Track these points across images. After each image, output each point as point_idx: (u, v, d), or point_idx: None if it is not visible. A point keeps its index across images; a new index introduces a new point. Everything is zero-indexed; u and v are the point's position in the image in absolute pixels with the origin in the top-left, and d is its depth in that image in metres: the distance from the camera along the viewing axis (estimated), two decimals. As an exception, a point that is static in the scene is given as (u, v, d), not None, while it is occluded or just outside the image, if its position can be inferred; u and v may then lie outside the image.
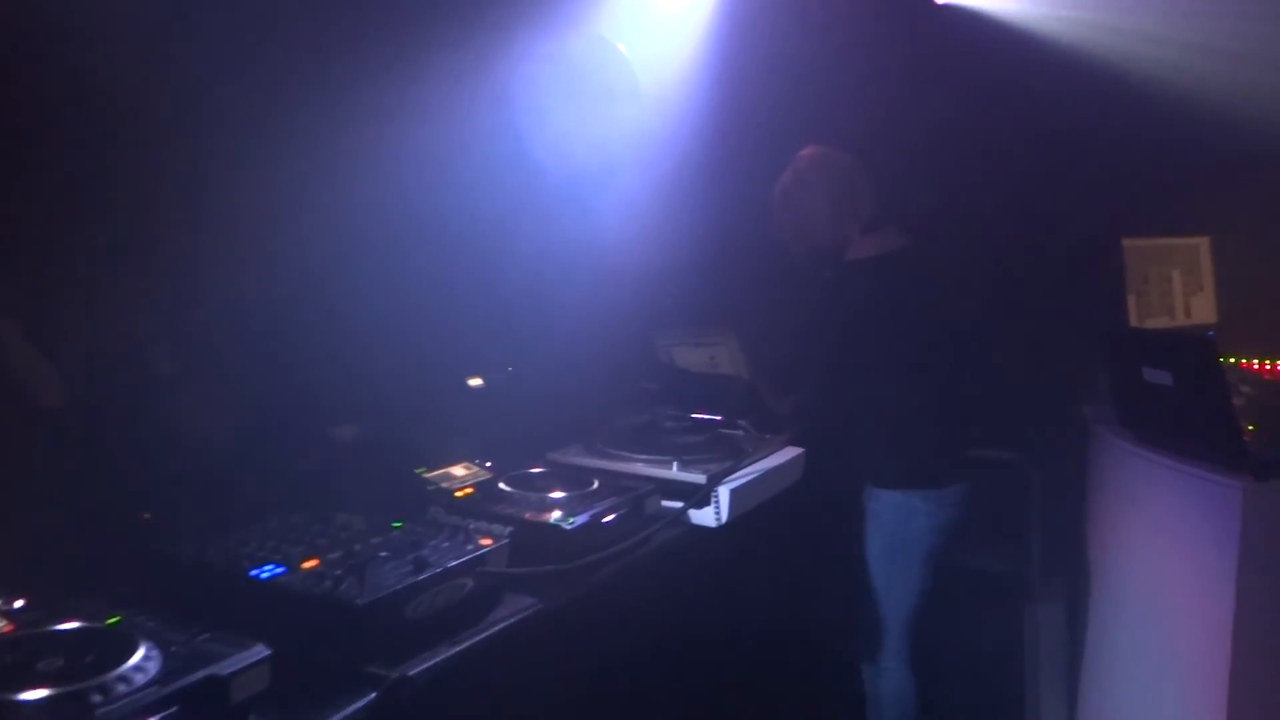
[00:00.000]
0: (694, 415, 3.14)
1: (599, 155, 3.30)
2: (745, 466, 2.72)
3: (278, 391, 2.63)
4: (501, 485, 2.38)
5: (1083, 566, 3.64)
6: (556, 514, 2.22)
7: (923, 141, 4.02)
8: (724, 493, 2.56)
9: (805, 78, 3.83)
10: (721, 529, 2.58)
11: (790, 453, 3.00)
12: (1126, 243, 3.95)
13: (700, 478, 2.57)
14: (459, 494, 2.37)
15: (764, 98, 3.78)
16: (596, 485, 2.43)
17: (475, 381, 3.19)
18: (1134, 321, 3.90)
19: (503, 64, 3.20)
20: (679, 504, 2.56)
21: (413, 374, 3.00)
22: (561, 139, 3.25)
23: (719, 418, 3.12)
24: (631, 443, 2.79)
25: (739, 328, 4.40)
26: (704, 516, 2.57)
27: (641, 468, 2.66)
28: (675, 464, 2.61)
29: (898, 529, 3.05)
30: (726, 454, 2.79)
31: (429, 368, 3.09)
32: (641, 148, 3.35)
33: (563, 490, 2.37)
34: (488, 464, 2.64)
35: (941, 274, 3.20)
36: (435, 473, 2.53)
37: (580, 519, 2.21)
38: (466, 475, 2.54)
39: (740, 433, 3.07)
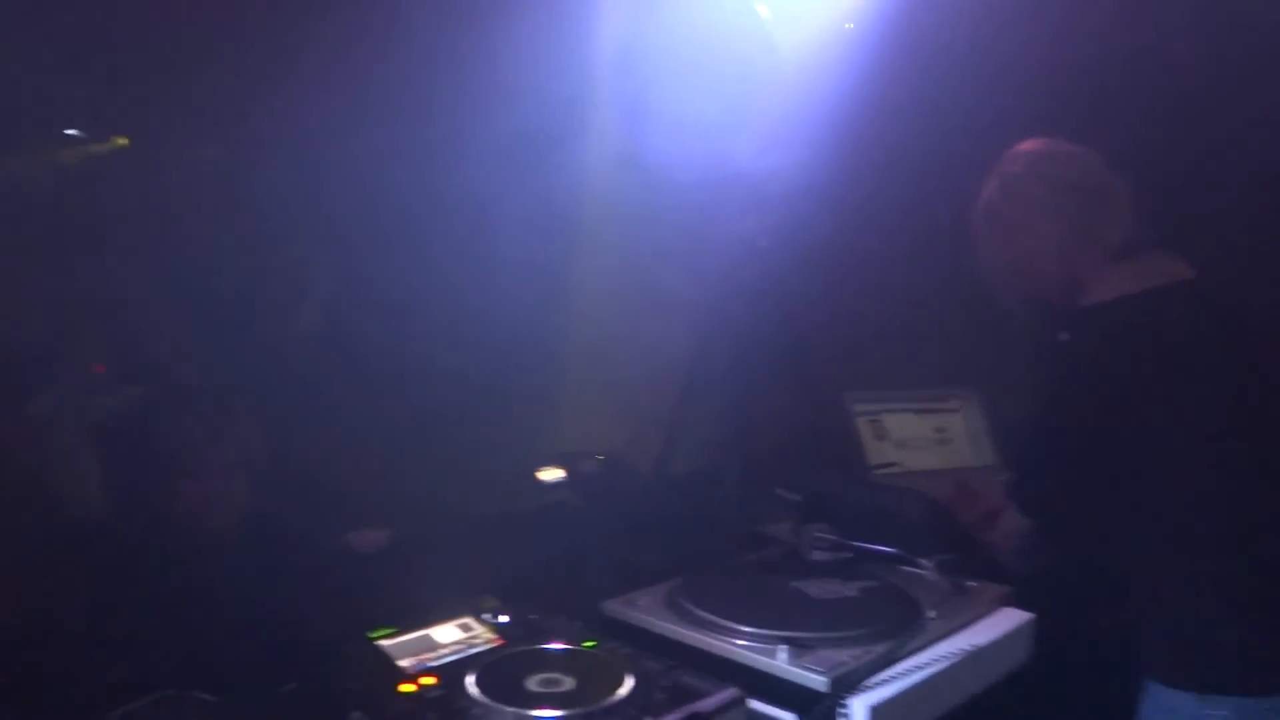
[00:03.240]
0: (856, 544, 2.09)
1: (732, 149, 2.35)
2: (908, 655, 1.65)
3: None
4: (469, 683, 1.48)
5: None
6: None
7: (1219, 124, 2.70)
8: (860, 710, 1.51)
9: (1026, 37, 2.66)
10: (862, 768, 1.54)
11: (1008, 620, 1.89)
12: None
13: (819, 680, 1.54)
14: (405, 688, 1.50)
15: (963, 67, 2.65)
16: (630, 688, 1.47)
17: (551, 474, 2.33)
18: None
19: (594, 33, 2.33)
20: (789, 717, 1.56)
21: (443, 461, 2.20)
22: (680, 129, 2.33)
23: (892, 550, 2.04)
24: (731, 600, 1.80)
25: (983, 386, 3.30)
26: (829, 748, 1.54)
27: (738, 649, 1.67)
28: (783, 650, 1.60)
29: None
30: (889, 623, 1.73)
31: (474, 450, 2.28)
32: (791, 137, 2.36)
33: (567, 702, 1.44)
34: (501, 619, 1.76)
35: (1257, 323, 1.95)
36: (409, 635, 1.68)
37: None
38: (456, 644, 1.69)
39: (926, 574, 1.99)
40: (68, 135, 2.78)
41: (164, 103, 2.35)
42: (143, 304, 2.25)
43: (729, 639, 1.70)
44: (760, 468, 2.36)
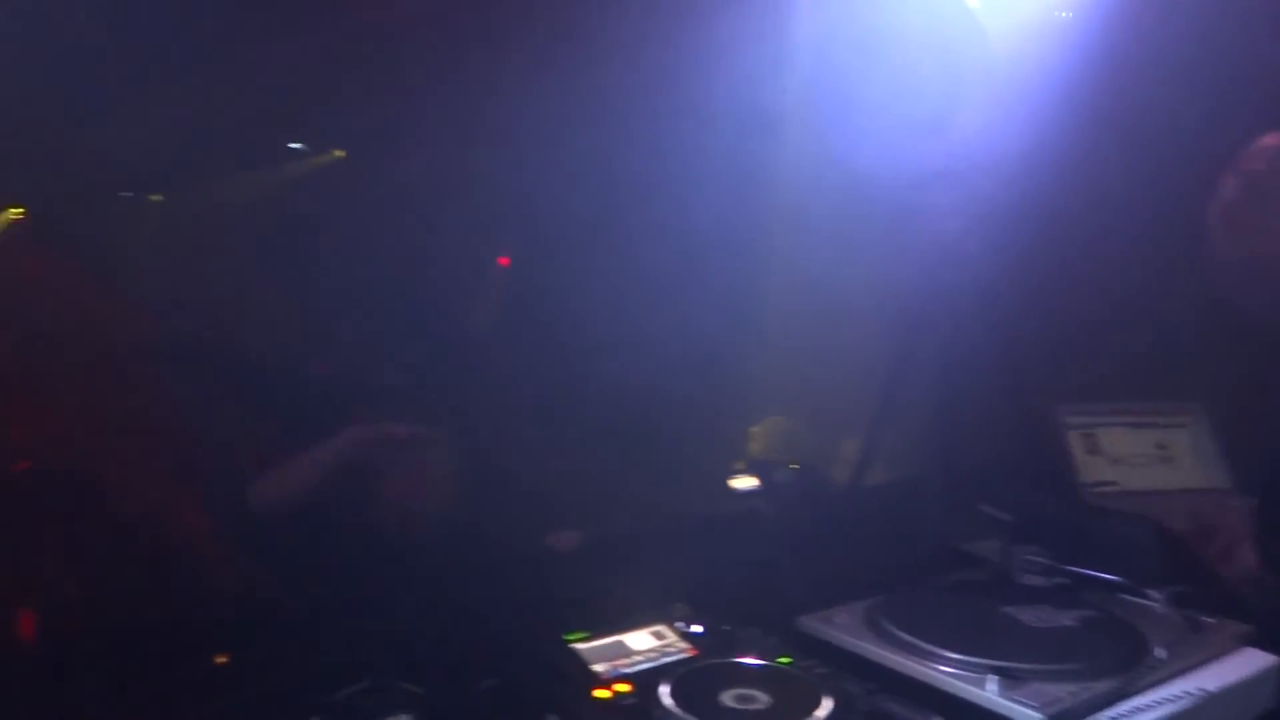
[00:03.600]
0: (1074, 569, 1.96)
1: (937, 147, 2.25)
2: (1133, 694, 1.53)
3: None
4: (663, 693, 1.48)
5: None
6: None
7: None
8: (1080, 753, 1.42)
9: (1267, 20, 2.42)
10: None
11: (1250, 662, 1.72)
12: None
13: (1034, 717, 1.45)
14: (600, 694, 1.52)
15: (1192, 55, 2.43)
16: (829, 710, 1.43)
17: (744, 482, 2.31)
18: None
19: (792, 28, 2.29)
20: (998, 752, 1.47)
21: (637, 464, 2.22)
22: (882, 126, 2.26)
23: (1115, 578, 1.90)
24: (935, 622, 1.72)
25: (1213, 400, 3.09)
26: (1043, 790, 1.45)
27: (942, 676, 1.59)
28: (993, 680, 1.51)
29: None
30: (1113, 659, 1.61)
31: (667, 454, 2.28)
32: (1001, 133, 2.24)
33: None
34: (694, 628, 1.75)
35: None
36: (602, 640, 1.70)
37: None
38: (649, 651, 1.70)
39: (1154, 607, 1.84)
40: (291, 149, 2.99)
41: (377, 115, 2.48)
42: (352, 307, 2.37)
43: (933, 664, 1.62)
44: (964, 481, 2.26)
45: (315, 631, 1.74)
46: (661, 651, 1.69)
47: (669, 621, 1.79)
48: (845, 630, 1.78)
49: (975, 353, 2.52)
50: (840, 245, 2.23)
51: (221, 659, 1.67)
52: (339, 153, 3.10)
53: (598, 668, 1.63)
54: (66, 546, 1.79)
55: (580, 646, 1.68)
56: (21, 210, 3.45)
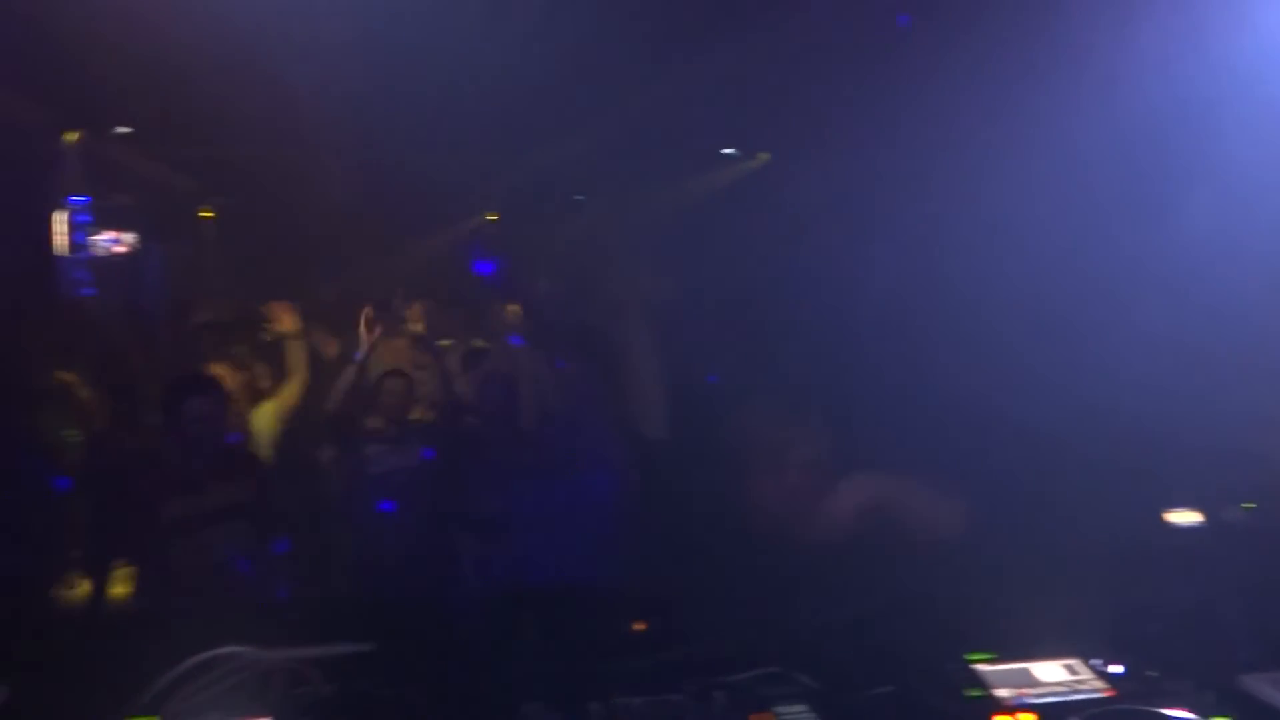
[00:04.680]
0: None
1: None
2: None
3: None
4: (1071, 729, 1.42)
5: None
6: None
7: None
8: None
9: None
10: None
11: None
12: None
13: None
14: (1001, 718, 1.49)
15: None
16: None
17: (1184, 517, 2.13)
18: None
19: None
20: None
21: (1062, 485, 2.13)
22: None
23: None
24: None
25: None
26: None
27: None
28: None
29: None
30: None
31: (1098, 477, 2.16)
32: None
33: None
34: (1114, 668, 1.66)
35: None
36: (1008, 665, 1.67)
37: None
38: (1059, 684, 1.64)
39: None
40: (724, 154, 3.20)
41: (800, 121, 2.57)
42: (746, 306, 2.48)
43: None
44: None
45: (725, 616, 1.86)
46: (1073, 687, 1.62)
47: (1084, 657, 1.70)
48: (1305, 698, 1.57)
49: None
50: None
51: (640, 626, 1.85)
52: (763, 155, 3.27)
53: (1001, 692, 1.59)
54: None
55: (984, 668, 1.65)
56: (495, 215, 4.04)
